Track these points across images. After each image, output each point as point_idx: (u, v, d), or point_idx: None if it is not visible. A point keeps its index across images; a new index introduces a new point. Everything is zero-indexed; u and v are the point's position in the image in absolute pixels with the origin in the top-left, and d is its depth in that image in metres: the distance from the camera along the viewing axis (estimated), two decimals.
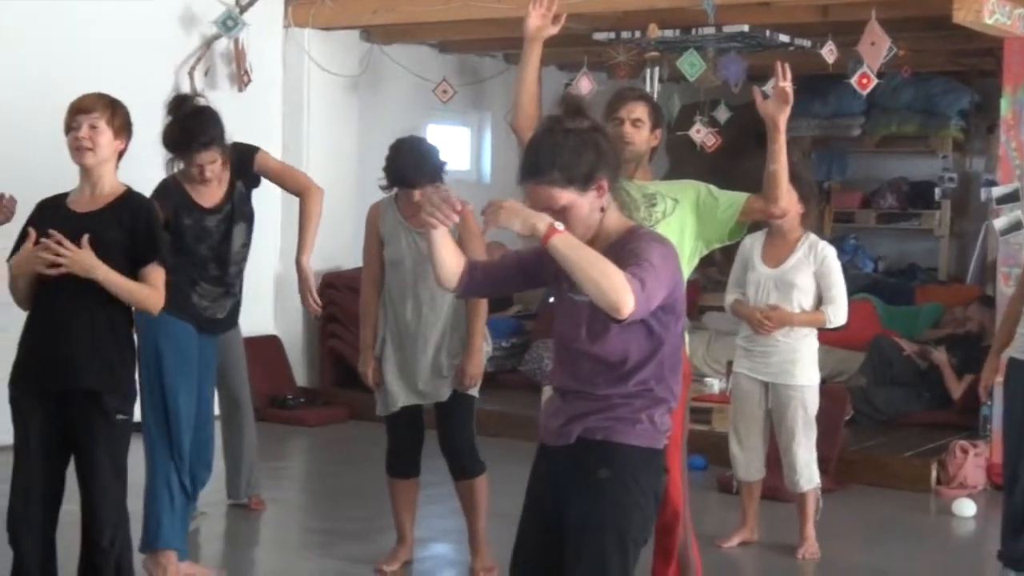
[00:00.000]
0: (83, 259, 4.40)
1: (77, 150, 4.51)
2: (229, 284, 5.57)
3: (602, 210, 3.39)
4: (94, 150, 4.50)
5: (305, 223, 5.55)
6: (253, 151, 5.58)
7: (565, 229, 3.23)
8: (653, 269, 3.25)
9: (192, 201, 5.43)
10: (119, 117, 4.56)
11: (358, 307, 5.90)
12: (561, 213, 3.34)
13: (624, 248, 3.34)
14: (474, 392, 5.77)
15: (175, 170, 5.47)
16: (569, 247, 3.21)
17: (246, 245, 5.61)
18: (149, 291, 4.56)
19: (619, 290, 3.15)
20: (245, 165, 5.51)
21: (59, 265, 4.40)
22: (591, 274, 3.18)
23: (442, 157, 5.74)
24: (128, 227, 4.53)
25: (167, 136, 5.35)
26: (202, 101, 5.55)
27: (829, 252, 6.34)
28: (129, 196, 4.63)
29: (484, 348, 5.80)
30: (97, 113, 4.51)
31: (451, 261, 3.50)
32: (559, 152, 3.32)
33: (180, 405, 5.31)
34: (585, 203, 3.36)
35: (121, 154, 4.63)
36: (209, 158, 5.32)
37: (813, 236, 6.40)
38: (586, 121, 3.37)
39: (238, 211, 5.52)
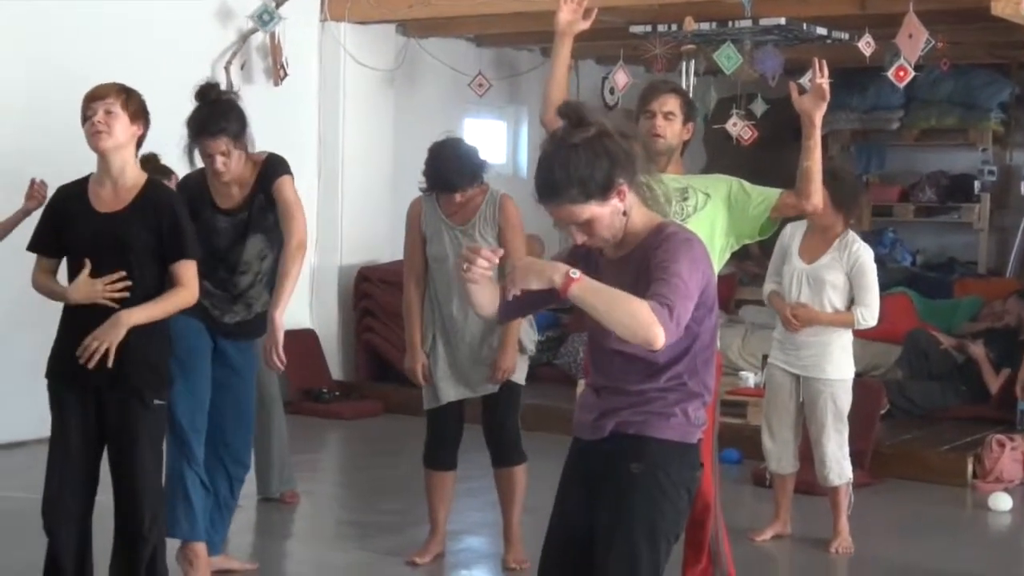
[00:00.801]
0: (112, 334, 4.44)
1: (94, 135, 4.54)
2: (240, 292, 5.39)
3: (624, 213, 3.36)
4: (110, 133, 4.53)
5: (282, 278, 5.17)
6: (281, 171, 5.34)
7: (580, 275, 3.19)
8: (681, 284, 3.22)
9: (209, 197, 5.35)
10: (133, 102, 4.59)
11: (392, 301, 5.91)
12: (586, 225, 3.33)
13: (653, 252, 3.31)
14: (520, 380, 5.79)
15: (192, 158, 5.41)
16: (589, 293, 3.18)
17: (265, 258, 5.41)
18: (179, 294, 4.60)
19: (648, 326, 3.14)
20: (269, 180, 5.31)
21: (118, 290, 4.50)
22: (616, 316, 3.16)
23: (482, 156, 5.73)
24: (153, 227, 4.56)
25: (187, 121, 5.33)
26: (229, 94, 5.50)
27: (864, 253, 6.30)
28: (151, 190, 4.65)
29: (531, 336, 5.83)
30: (111, 99, 4.54)
31: (487, 297, 3.48)
32: (572, 167, 3.27)
33: (177, 403, 5.22)
34: (607, 211, 3.32)
35: (140, 141, 4.66)
36: (218, 148, 5.20)
37: (851, 235, 6.35)
38: (592, 128, 3.30)
39: (255, 221, 5.35)
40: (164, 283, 4.62)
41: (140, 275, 4.55)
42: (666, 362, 3.38)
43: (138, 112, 4.60)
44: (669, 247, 3.31)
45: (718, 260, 4.91)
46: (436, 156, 5.66)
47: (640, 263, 3.32)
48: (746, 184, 4.92)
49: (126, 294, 4.51)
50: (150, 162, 6.45)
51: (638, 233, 3.39)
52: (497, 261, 3.31)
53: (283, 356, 5.19)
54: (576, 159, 3.27)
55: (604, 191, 3.30)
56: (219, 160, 5.22)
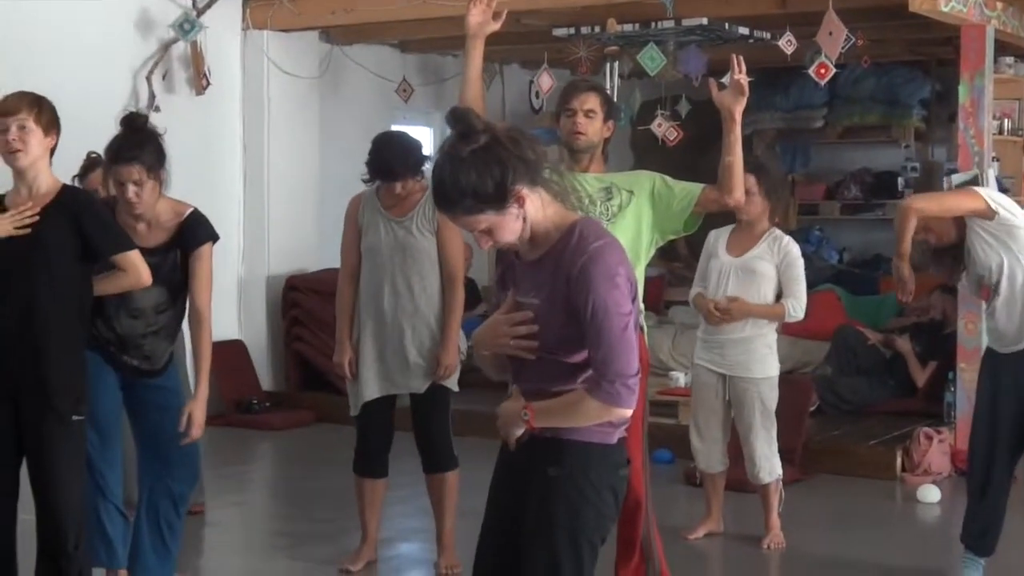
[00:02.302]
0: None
1: (9, 153, 4.51)
2: (131, 337, 5.11)
3: (524, 220, 3.29)
4: (25, 151, 4.50)
5: (200, 359, 5.05)
6: (207, 236, 5.11)
7: (529, 409, 3.32)
8: (610, 325, 3.21)
9: None
10: (46, 113, 4.55)
11: (321, 310, 5.86)
12: (486, 232, 3.29)
13: (570, 265, 3.25)
14: (451, 385, 5.77)
15: (108, 184, 5.27)
16: (545, 419, 3.32)
17: (163, 312, 5.13)
18: (119, 277, 4.67)
19: (604, 414, 3.27)
20: (191, 242, 5.08)
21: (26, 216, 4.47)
22: (578, 421, 3.31)
23: (425, 151, 5.74)
24: (72, 228, 4.51)
25: (106, 147, 5.19)
26: (153, 127, 5.31)
27: (792, 247, 6.37)
28: (67, 193, 4.62)
29: (463, 343, 5.80)
30: (23, 113, 4.50)
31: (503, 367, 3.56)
32: (463, 180, 3.20)
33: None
34: (507, 219, 3.26)
35: (53, 150, 4.61)
36: (131, 175, 4.96)
37: (778, 231, 6.43)
38: (481, 137, 3.23)
39: (163, 272, 5.03)
40: (87, 286, 4.58)
41: (60, 276, 4.50)
42: (581, 362, 3.32)
43: (51, 123, 4.57)
44: (584, 265, 3.24)
45: (645, 256, 4.94)
46: (381, 145, 5.70)
47: (555, 267, 3.28)
48: (668, 179, 4.94)
49: (36, 217, 4.46)
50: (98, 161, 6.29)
51: (551, 234, 3.33)
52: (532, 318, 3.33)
53: (198, 433, 5.07)
54: (466, 171, 3.21)
55: (499, 200, 3.23)
56: (131, 189, 4.97)
